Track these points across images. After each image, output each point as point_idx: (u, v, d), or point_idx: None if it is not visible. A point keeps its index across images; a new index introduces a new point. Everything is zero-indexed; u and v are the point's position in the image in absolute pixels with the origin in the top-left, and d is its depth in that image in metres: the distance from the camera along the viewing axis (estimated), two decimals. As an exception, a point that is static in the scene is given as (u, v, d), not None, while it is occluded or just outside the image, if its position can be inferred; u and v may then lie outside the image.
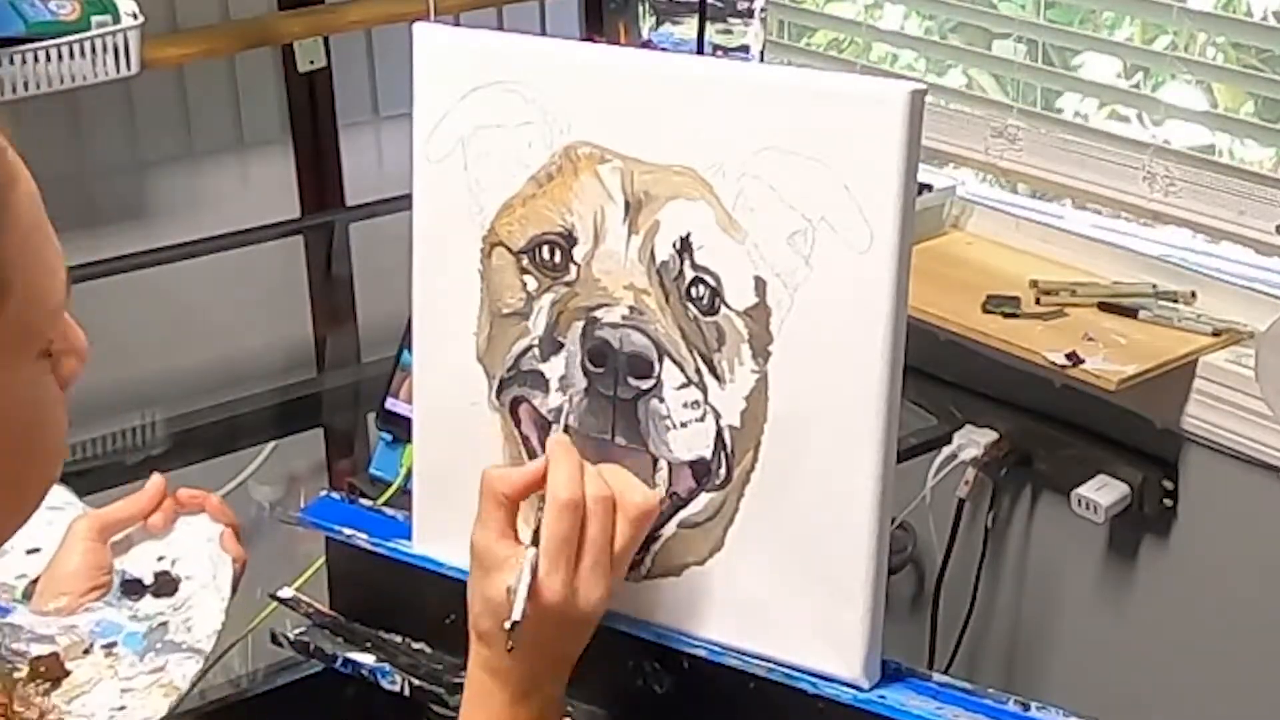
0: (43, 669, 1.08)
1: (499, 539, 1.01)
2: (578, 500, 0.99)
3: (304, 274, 2.26)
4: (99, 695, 1.09)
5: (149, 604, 1.16)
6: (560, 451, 1.02)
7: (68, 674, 1.09)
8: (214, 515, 1.22)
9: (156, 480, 1.21)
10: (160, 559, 1.19)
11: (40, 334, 0.74)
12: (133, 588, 1.17)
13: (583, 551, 0.99)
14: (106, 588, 1.15)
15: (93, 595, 1.14)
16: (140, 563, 1.18)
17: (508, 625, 0.96)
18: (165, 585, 1.17)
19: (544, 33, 2.30)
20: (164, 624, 1.14)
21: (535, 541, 0.99)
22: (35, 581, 1.16)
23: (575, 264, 1.08)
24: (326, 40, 2.17)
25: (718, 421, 1.05)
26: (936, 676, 1.06)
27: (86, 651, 1.11)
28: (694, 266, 1.04)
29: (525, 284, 1.10)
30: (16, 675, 1.08)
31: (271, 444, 2.08)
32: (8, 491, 0.74)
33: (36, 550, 1.18)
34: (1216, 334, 1.80)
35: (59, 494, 1.24)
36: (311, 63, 2.18)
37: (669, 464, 1.07)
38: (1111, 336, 1.81)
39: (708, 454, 1.05)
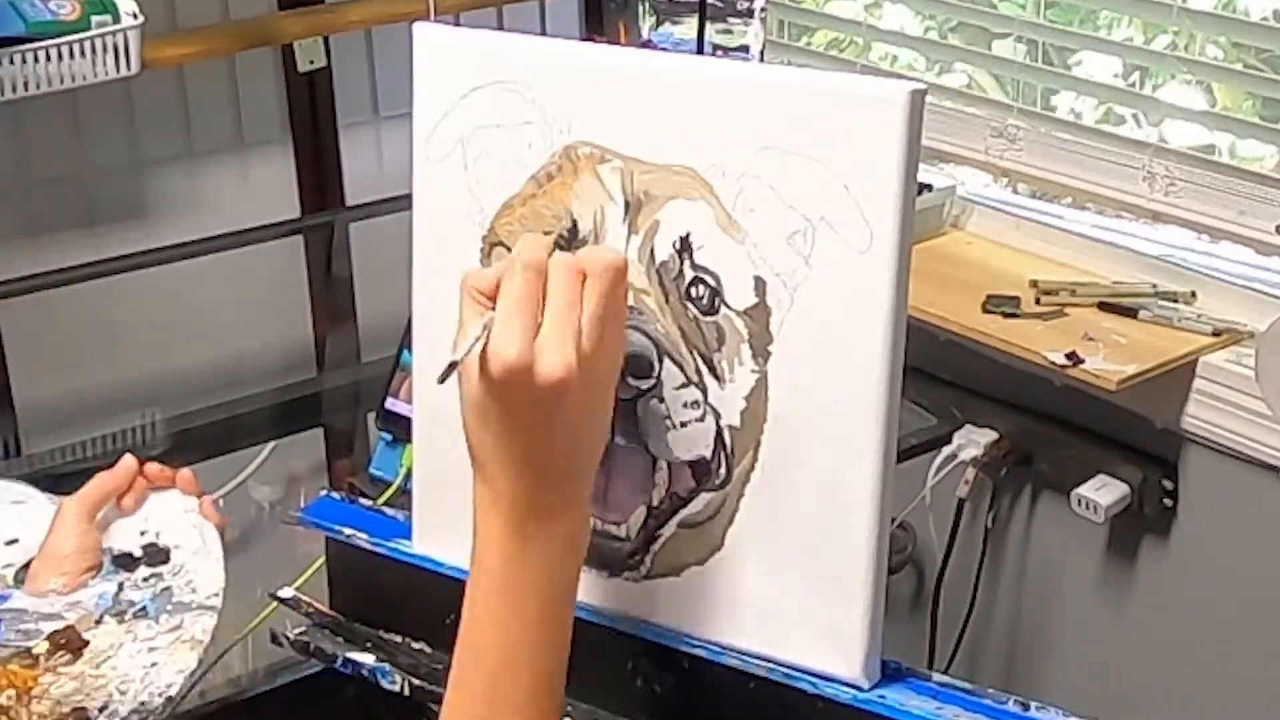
0: (63, 641, 1.11)
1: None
2: (540, 263, 0.91)
3: (304, 274, 2.27)
4: (126, 658, 1.11)
5: (144, 573, 1.19)
6: (528, 236, 0.96)
7: (86, 643, 1.11)
8: (185, 489, 1.24)
9: (128, 458, 1.23)
10: (143, 533, 1.22)
11: None
12: (124, 561, 1.20)
13: (543, 314, 0.90)
14: (99, 567, 1.19)
15: (89, 574, 1.18)
16: (125, 539, 1.21)
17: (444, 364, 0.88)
18: (156, 555, 1.20)
19: (544, 33, 2.30)
20: (167, 588, 1.17)
21: None
22: (24, 568, 1.18)
23: (575, 264, 1.08)
24: (326, 40, 2.17)
25: (717, 421, 1.05)
26: (936, 676, 1.06)
27: (98, 622, 1.13)
28: (694, 266, 1.04)
29: (525, 284, 1.10)
30: (36, 651, 1.09)
31: (271, 444, 2.08)
32: None
33: (15, 541, 1.21)
34: (1216, 334, 1.80)
35: (17, 489, 1.28)
36: (311, 63, 2.18)
37: (669, 464, 1.07)
38: (1111, 336, 1.81)
39: (707, 454, 1.05)
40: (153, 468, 1.24)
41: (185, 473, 1.25)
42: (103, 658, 1.11)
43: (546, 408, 0.91)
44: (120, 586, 1.17)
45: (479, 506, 0.94)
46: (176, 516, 1.23)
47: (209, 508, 1.24)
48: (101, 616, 1.14)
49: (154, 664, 1.12)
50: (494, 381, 0.89)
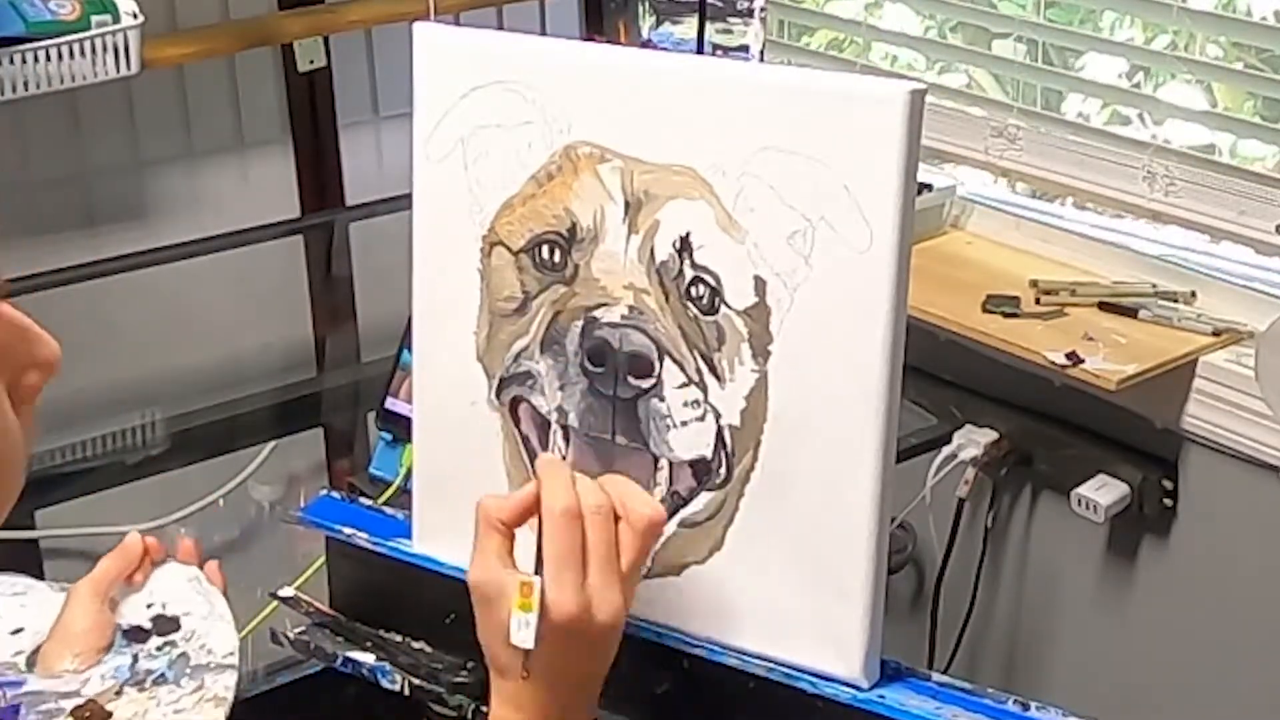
0: (87, 714, 1.10)
1: (500, 567, 0.98)
2: (574, 509, 0.97)
3: (304, 274, 2.26)
4: None
5: (157, 642, 1.17)
6: (549, 467, 1.00)
7: (110, 715, 1.10)
8: (185, 559, 1.22)
9: (134, 537, 1.21)
10: (149, 606, 1.19)
11: None
12: (136, 634, 1.18)
13: (588, 563, 0.96)
14: (111, 645, 1.17)
15: (103, 652, 1.15)
16: (133, 614, 1.19)
17: (519, 649, 0.94)
18: (166, 624, 1.18)
19: (544, 33, 2.30)
20: (183, 654, 1.16)
21: (538, 569, 0.96)
22: (34, 654, 1.16)
23: (575, 263, 1.08)
24: (326, 40, 2.17)
25: (718, 421, 1.05)
26: (936, 676, 1.06)
27: (118, 694, 1.12)
28: (694, 266, 1.04)
29: (525, 283, 1.11)
30: None
31: (271, 444, 2.07)
32: None
33: (20, 630, 1.19)
34: (1216, 334, 1.80)
35: (14, 581, 1.25)
36: (311, 62, 2.17)
37: (669, 463, 1.07)
38: (1111, 336, 1.80)
39: (708, 453, 1.05)
40: (151, 541, 1.23)
41: (186, 543, 1.23)
42: None
43: (595, 647, 0.98)
44: (135, 658, 1.15)
45: (496, 715, 0.99)
46: (180, 586, 1.21)
47: (214, 573, 1.22)
48: (121, 688, 1.13)
49: None
50: (551, 628, 0.95)
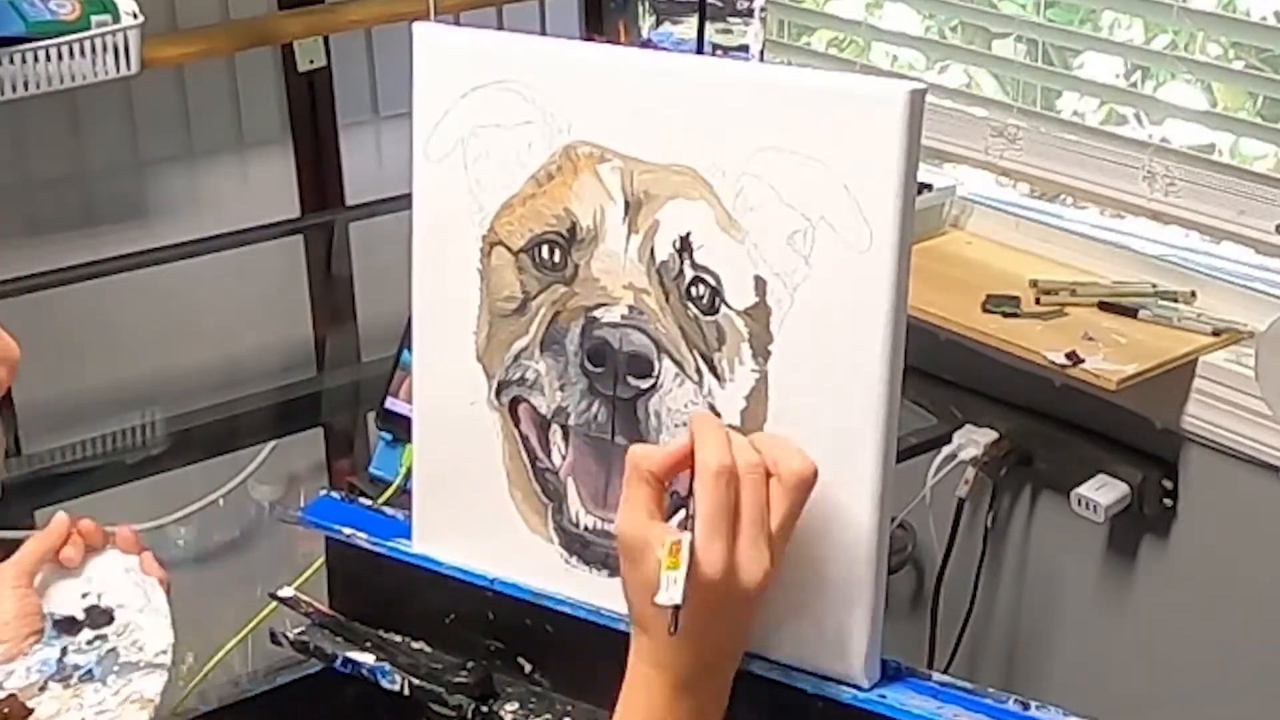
0: (5, 710, 1.08)
1: (649, 520, 0.96)
2: (729, 468, 0.94)
3: (304, 274, 2.26)
4: None
5: (88, 635, 1.15)
6: (705, 423, 0.98)
7: (30, 712, 1.08)
8: (124, 547, 1.21)
9: (60, 515, 1.21)
10: (85, 595, 1.18)
11: None
12: (66, 625, 1.16)
13: (739, 523, 0.94)
14: (41, 632, 1.15)
15: (31, 640, 1.14)
16: (66, 602, 1.18)
17: (666, 606, 0.91)
18: (99, 617, 1.16)
19: (544, 32, 2.30)
20: (113, 650, 1.14)
21: (687, 525, 0.94)
22: None
23: (575, 263, 1.08)
24: (326, 40, 2.17)
25: (718, 421, 1.04)
26: (936, 676, 1.06)
27: (42, 689, 1.11)
28: (694, 266, 1.04)
29: (524, 283, 1.11)
30: None
31: (271, 444, 2.08)
32: None
33: None
34: (1216, 334, 1.80)
35: None
36: (311, 62, 2.18)
37: (669, 463, 1.07)
38: (1111, 336, 1.80)
39: (708, 453, 1.05)
40: (87, 524, 1.21)
41: (124, 531, 1.21)
42: None
43: (740, 607, 0.95)
44: (64, 651, 1.13)
45: (637, 670, 0.97)
46: (118, 576, 1.19)
47: (150, 564, 1.20)
48: (45, 683, 1.11)
49: None
50: (698, 587, 0.93)
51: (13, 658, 1.13)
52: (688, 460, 0.97)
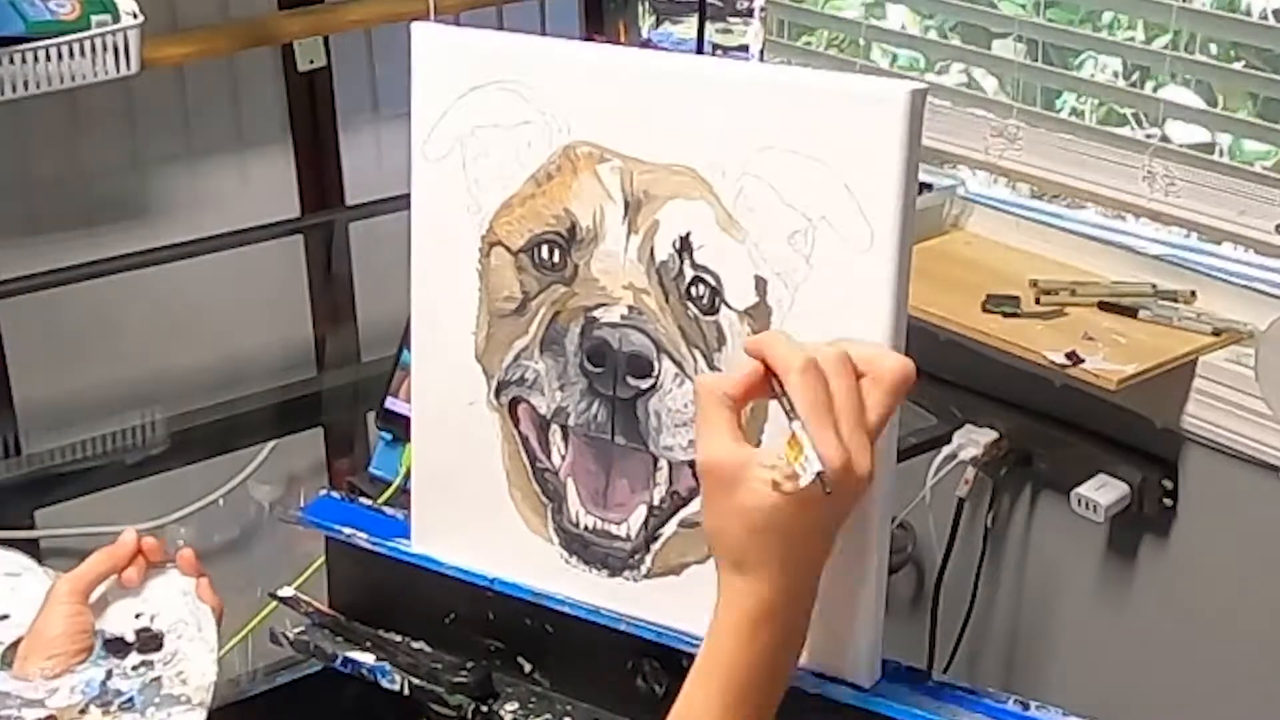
0: None
1: (734, 442, 0.92)
2: (813, 362, 0.91)
3: (304, 274, 2.26)
4: None
5: (135, 660, 1.15)
6: (768, 336, 0.96)
7: None
8: (184, 569, 1.19)
9: (129, 534, 1.19)
10: (138, 616, 1.17)
11: None
12: (116, 646, 1.15)
13: (837, 415, 0.90)
14: (90, 650, 1.14)
15: (79, 657, 1.13)
16: (119, 621, 1.17)
17: (811, 476, 0.87)
18: (149, 642, 1.15)
19: (544, 32, 2.30)
20: (156, 679, 1.13)
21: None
22: (13, 647, 1.14)
23: (574, 263, 1.08)
24: (326, 40, 2.17)
25: (717, 421, 1.04)
26: (936, 676, 1.06)
27: (82, 712, 1.10)
28: (694, 266, 1.04)
29: (524, 283, 1.11)
30: None
31: (271, 443, 2.08)
32: None
33: (6, 617, 1.17)
34: (1216, 334, 1.80)
35: (12, 559, 1.23)
36: (311, 62, 2.18)
37: (669, 463, 1.07)
38: (1111, 336, 1.80)
39: (707, 453, 1.05)
40: (151, 542, 1.19)
41: (186, 552, 1.20)
42: None
43: (844, 506, 0.92)
44: (109, 674, 1.13)
45: (728, 599, 0.93)
46: (174, 598, 1.18)
47: (206, 590, 1.19)
48: (87, 706, 1.10)
49: None
50: (812, 490, 0.88)
51: (59, 674, 1.12)
52: (762, 383, 0.93)
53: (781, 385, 0.92)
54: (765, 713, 0.94)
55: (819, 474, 0.87)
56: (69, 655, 1.13)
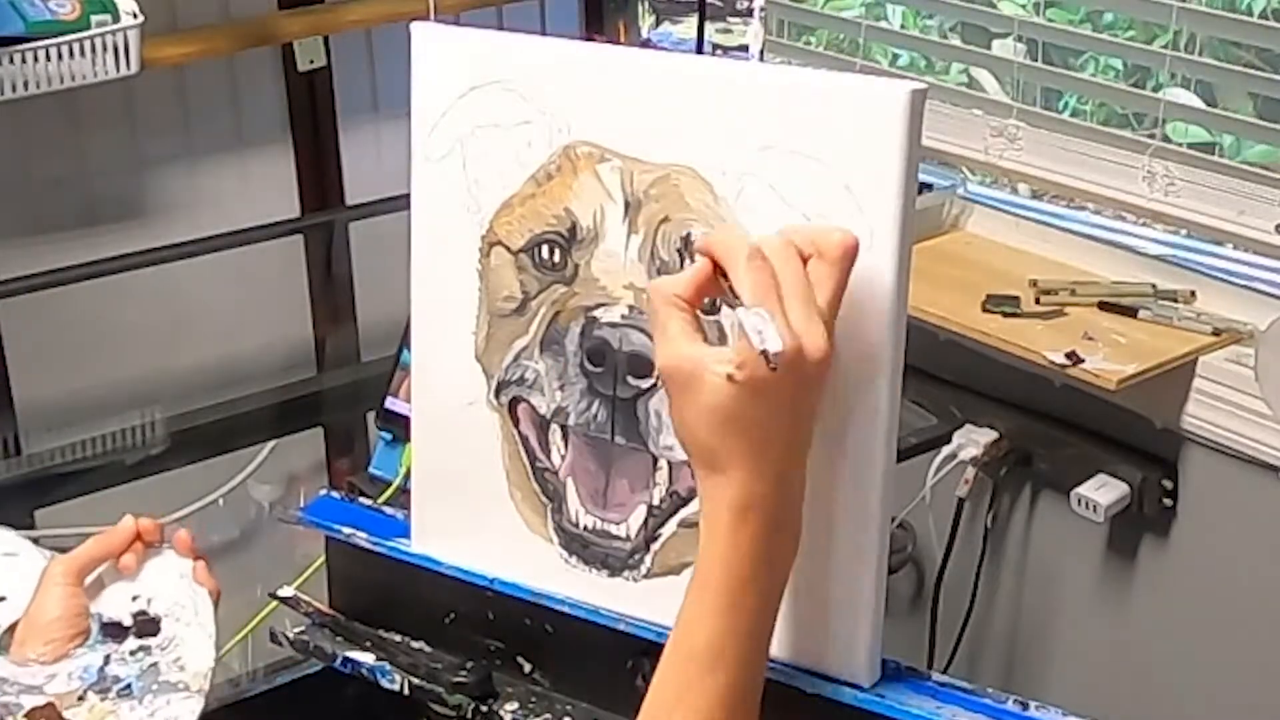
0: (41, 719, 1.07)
1: (689, 343, 0.92)
2: (758, 249, 0.91)
3: (304, 273, 2.27)
4: None
5: (132, 645, 1.14)
6: (714, 234, 0.96)
7: None
8: (181, 551, 1.19)
9: (127, 520, 1.18)
10: (135, 599, 1.16)
11: None
12: (113, 630, 1.15)
13: (784, 301, 0.90)
14: (87, 633, 1.14)
15: (75, 641, 1.13)
16: (116, 604, 1.16)
17: (770, 353, 0.87)
18: (146, 626, 1.15)
19: (544, 32, 2.30)
20: (154, 665, 1.13)
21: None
22: (10, 630, 1.14)
23: (575, 263, 1.08)
24: (326, 40, 2.17)
25: (717, 421, 1.04)
26: (936, 676, 1.06)
27: (80, 699, 1.10)
28: (694, 266, 1.04)
29: (524, 283, 1.11)
30: None
31: (271, 443, 2.08)
32: None
33: (3, 599, 1.16)
34: (1216, 334, 1.80)
35: (9, 539, 1.22)
36: (311, 62, 2.18)
37: (669, 463, 1.07)
38: (1111, 336, 1.80)
39: (707, 453, 1.05)
40: (147, 523, 1.18)
41: (182, 533, 1.19)
42: None
43: (808, 391, 0.92)
44: (106, 659, 1.12)
45: (709, 498, 0.93)
46: (170, 581, 1.17)
47: (203, 573, 1.18)
48: (85, 692, 1.10)
49: None
50: (763, 374, 0.89)
51: (57, 659, 1.11)
52: (712, 280, 0.93)
53: (729, 278, 0.92)
54: (768, 606, 0.94)
55: (763, 352, 0.87)
56: (65, 640, 1.12)
